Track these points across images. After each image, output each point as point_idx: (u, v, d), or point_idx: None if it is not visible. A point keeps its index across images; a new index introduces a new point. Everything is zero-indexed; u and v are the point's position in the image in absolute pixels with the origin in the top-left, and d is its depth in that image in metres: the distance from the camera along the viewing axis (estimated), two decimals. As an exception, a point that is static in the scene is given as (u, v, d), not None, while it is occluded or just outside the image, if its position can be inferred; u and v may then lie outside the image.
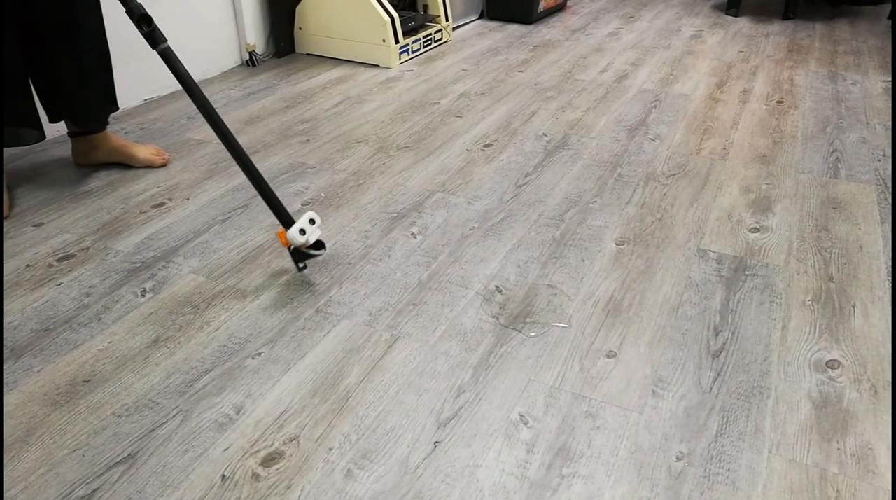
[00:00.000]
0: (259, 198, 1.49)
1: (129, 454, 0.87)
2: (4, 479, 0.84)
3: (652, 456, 0.87)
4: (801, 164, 1.68)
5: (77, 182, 1.55)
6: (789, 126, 1.91)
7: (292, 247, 1.18)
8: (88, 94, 1.48)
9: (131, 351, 1.04)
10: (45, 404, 0.94)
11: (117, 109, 1.56)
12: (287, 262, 1.26)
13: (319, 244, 1.21)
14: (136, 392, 0.96)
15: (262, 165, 1.64)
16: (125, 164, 1.62)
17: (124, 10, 1.11)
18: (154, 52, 1.20)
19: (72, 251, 1.29)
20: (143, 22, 1.09)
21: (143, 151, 1.62)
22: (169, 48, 1.11)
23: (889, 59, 2.53)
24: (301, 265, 1.21)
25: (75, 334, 1.08)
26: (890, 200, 1.50)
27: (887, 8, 3.31)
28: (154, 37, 1.10)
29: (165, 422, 0.92)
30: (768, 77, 2.33)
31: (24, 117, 1.39)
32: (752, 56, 2.57)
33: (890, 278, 1.23)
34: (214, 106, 1.99)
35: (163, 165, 1.65)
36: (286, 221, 1.18)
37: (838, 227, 1.40)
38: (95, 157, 1.61)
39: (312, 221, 1.18)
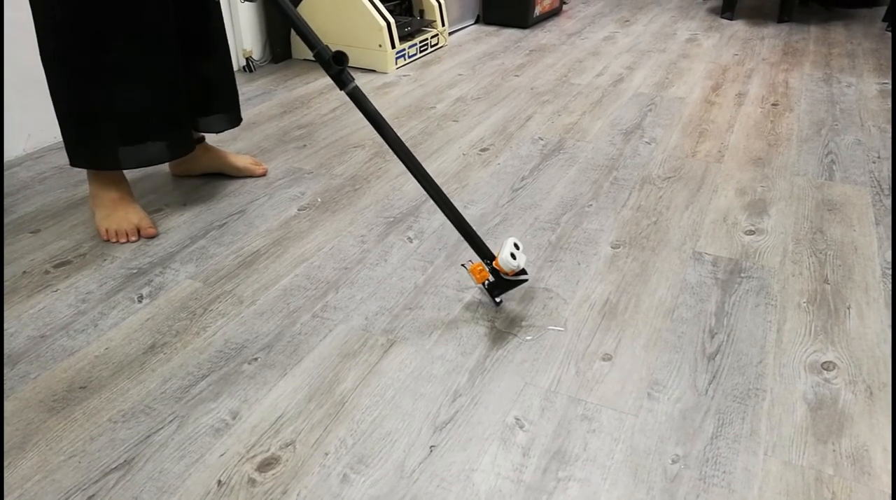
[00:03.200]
0: (256, 203, 1.49)
1: (125, 460, 0.87)
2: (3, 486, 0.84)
3: (647, 459, 0.87)
4: (796, 166, 1.68)
5: (74, 189, 1.55)
6: (784, 129, 1.92)
7: (487, 282, 1.12)
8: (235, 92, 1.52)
9: (128, 357, 1.04)
10: (42, 411, 0.95)
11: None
12: (283, 266, 1.27)
13: (522, 271, 1.10)
14: (132, 398, 0.97)
15: (259, 171, 1.65)
16: (224, 174, 1.60)
17: (312, 53, 1.05)
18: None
19: (69, 258, 1.30)
20: (336, 62, 1.04)
21: (242, 161, 1.60)
22: (357, 88, 1.07)
23: (883, 62, 2.54)
24: (498, 300, 1.15)
25: (72, 340, 1.08)
26: (885, 202, 1.50)
27: (882, 11, 3.33)
28: (342, 78, 1.05)
29: (161, 428, 0.92)
30: (763, 80, 2.34)
31: (181, 129, 1.37)
32: (748, 59, 2.58)
33: (888, 280, 1.23)
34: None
35: (263, 175, 1.62)
36: (486, 253, 1.11)
37: (833, 229, 1.40)
38: (196, 167, 1.58)
39: (517, 246, 1.08)
